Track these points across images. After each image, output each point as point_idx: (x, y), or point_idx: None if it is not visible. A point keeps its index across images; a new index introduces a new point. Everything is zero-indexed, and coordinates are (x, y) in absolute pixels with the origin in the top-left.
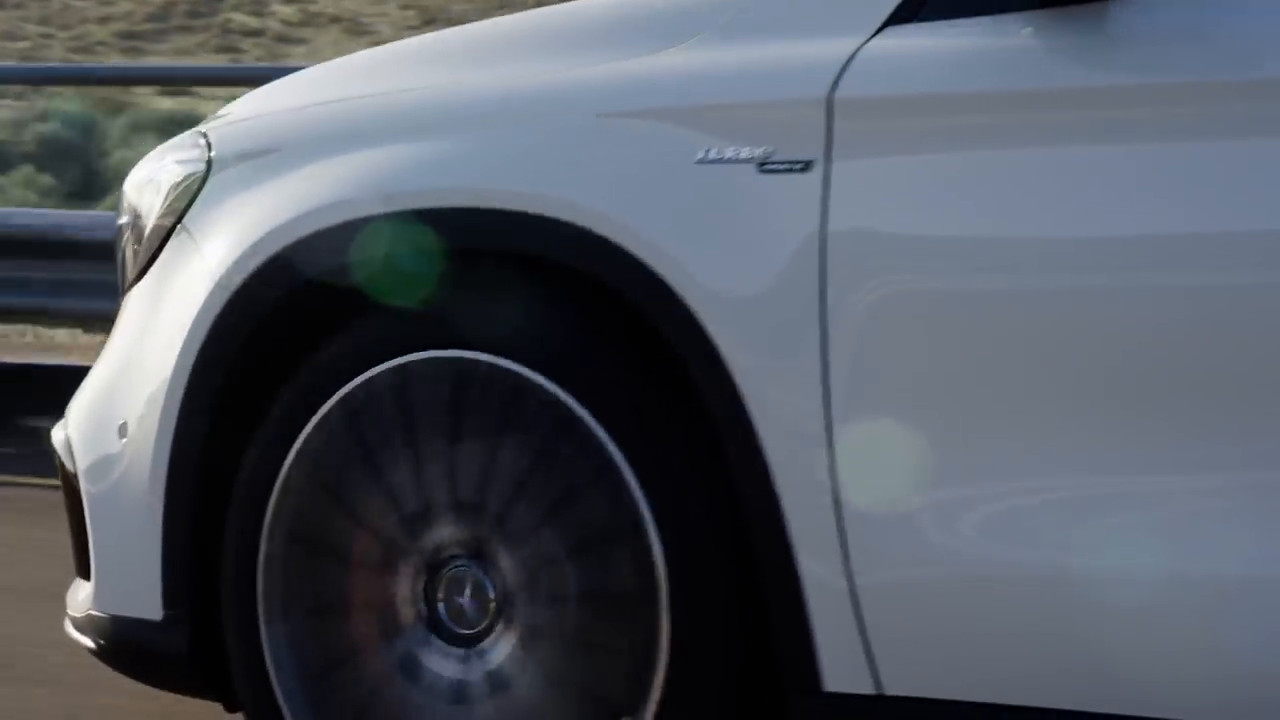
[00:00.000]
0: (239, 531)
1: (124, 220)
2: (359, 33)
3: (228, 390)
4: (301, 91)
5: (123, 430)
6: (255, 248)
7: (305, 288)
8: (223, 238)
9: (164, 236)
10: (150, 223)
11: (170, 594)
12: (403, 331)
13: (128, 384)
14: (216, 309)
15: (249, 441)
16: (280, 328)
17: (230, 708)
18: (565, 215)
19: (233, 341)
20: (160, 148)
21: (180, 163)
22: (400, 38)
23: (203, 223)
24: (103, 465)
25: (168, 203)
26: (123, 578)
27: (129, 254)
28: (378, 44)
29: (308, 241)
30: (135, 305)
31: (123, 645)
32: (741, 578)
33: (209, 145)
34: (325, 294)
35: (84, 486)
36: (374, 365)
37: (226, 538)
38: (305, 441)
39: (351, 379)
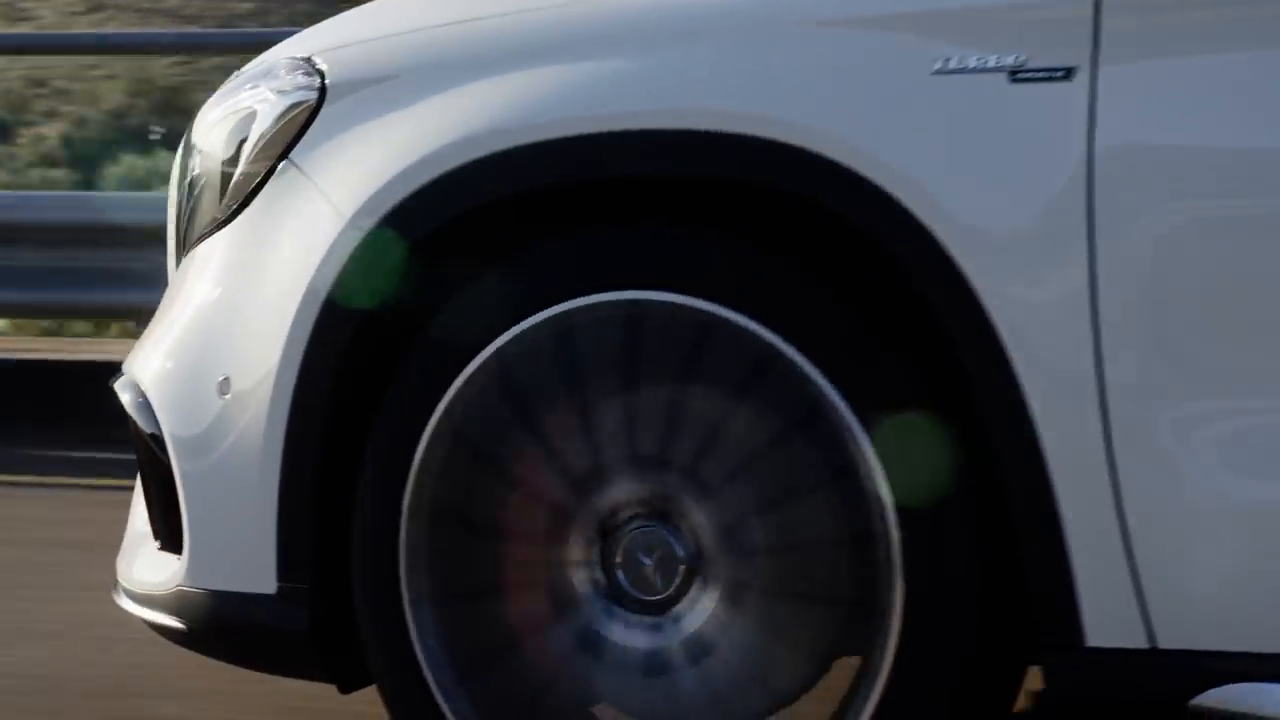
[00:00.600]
0: (374, 503)
1: (192, 167)
2: None
3: (356, 343)
4: (414, 13)
5: (224, 387)
6: (391, 185)
7: (450, 227)
8: (347, 174)
9: (263, 174)
10: (243, 160)
11: (287, 565)
12: (567, 273)
13: (226, 336)
14: (345, 253)
15: (380, 400)
16: (417, 274)
17: (345, 689)
18: (780, 136)
19: (363, 291)
20: (233, 83)
21: (281, 92)
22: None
23: (318, 157)
24: (198, 425)
25: (267, 137)
26: (226, 548)
27: (206, 199)
28: None
29: (454, 176)
30: (224, 251)
31: (223, 623)
32: (982, 522)
33: (321, 72)
34: (472, 234)
35: (173, 449)
36: (532, 313)
37: (359, 509)
38: (450, 402)
39: (505, 330)
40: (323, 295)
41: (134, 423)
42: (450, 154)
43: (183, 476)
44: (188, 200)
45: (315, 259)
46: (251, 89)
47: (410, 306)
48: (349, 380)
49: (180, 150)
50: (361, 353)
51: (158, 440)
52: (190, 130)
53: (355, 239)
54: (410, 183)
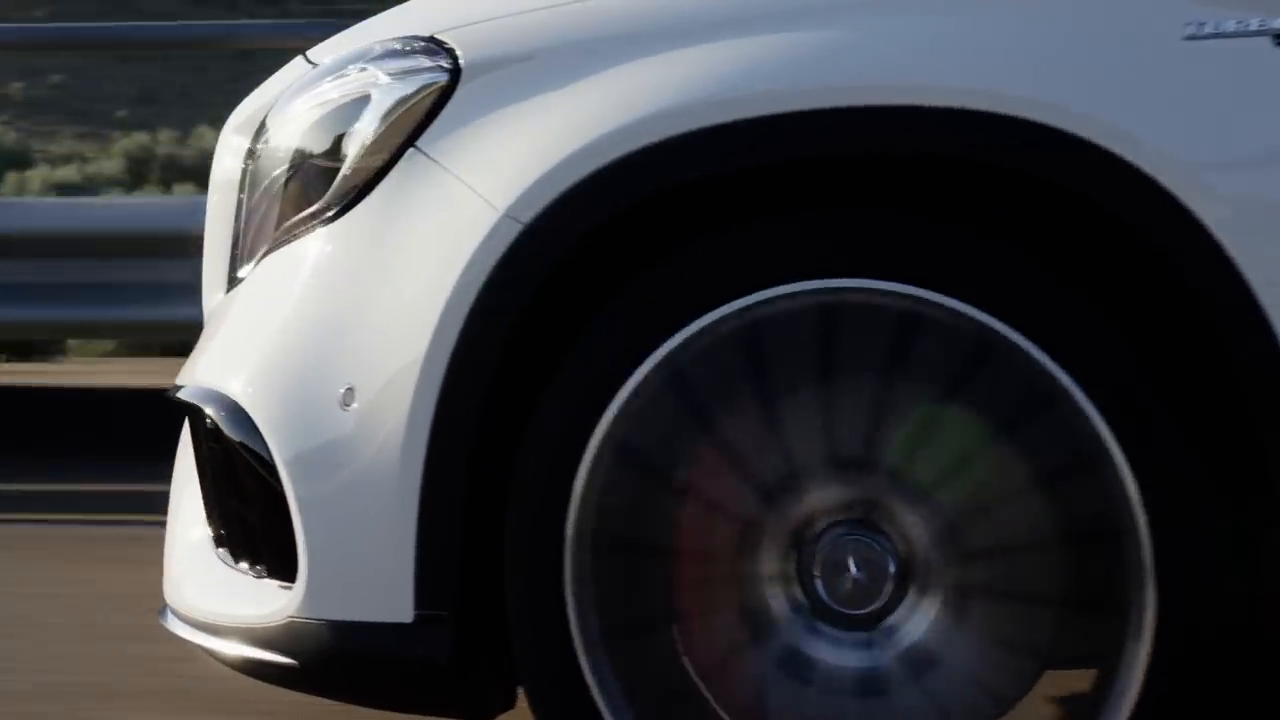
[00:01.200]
0: (532, 530)
1: (256, 168)
2: None
3: (510, 346)
4: None
5: (347, 399)
6: (553, 174)
7: (618, 219)
8: (495, 162)
9: (381, 166)
10: (350, 152)
11: (426, 592)
12: (746, 265)
13: (346, 342)
14: (501, 249)
15: (534, 410)
16: (579, 270)
17: None
18: (1017, 110)
19: (522, 288)
20: (319, 70)
21: (401, 75)
22: None
23: (453, 145)
24: (315, 442)
25: (386, 125)
26: (353, 575)
27: (289, 198)
28: None
29: (625, 163)
30: (333, 250)
31: (347, 656)
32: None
33: (452, 52)
34: (640, 226)
35: (286, 470)
36: (709, 310)
37: (513, 537)
38: (617, 413)
39: (677, 330)
40: (473, 294)
41: (207, 437)
42: (620, 139)
43: (300, 499)
44: (247, 203)
45: (463, 255)
46: (352, 75)
47: (571, 306)
48: (501, 388)
49: (220, 154)
50: (515, 357)
51: (260, 459)
52: (231, 131)
53: (512, 233)
54: (575, 171)
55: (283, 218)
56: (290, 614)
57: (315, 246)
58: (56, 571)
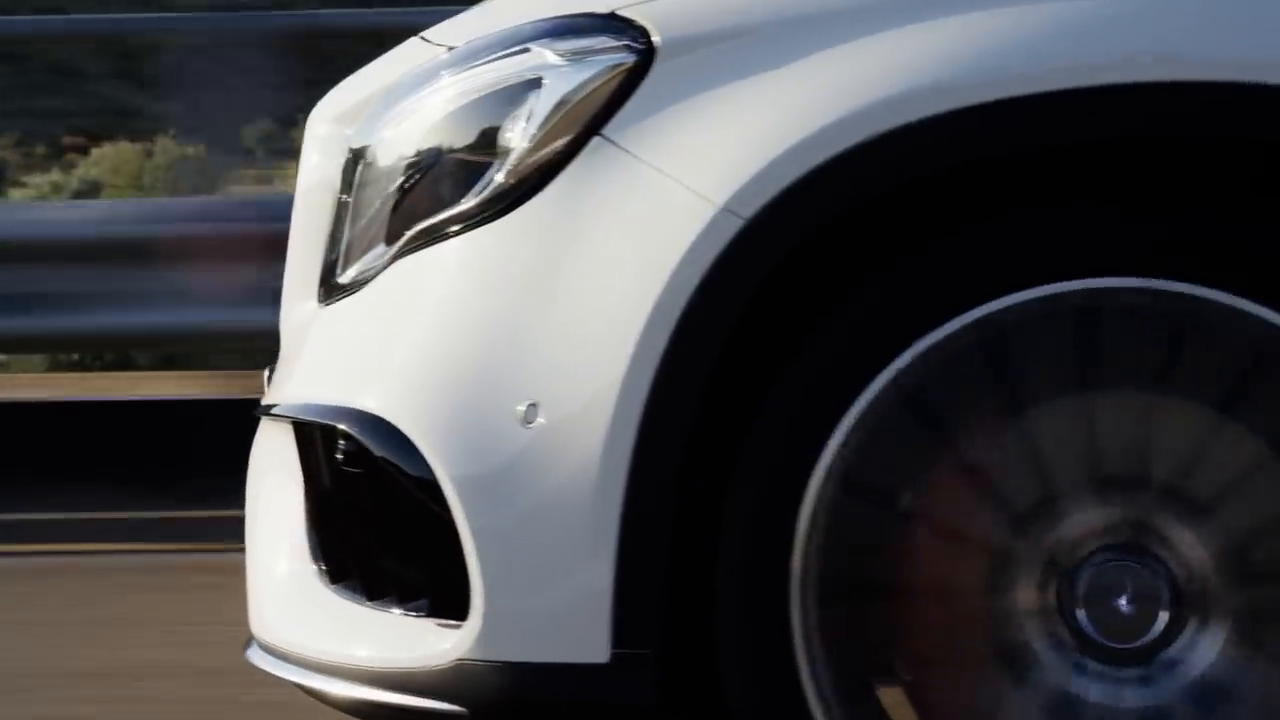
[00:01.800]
0: (752, 562)
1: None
2: None
3: (722, 357)
4: None
5: (530, 414)
6: (779, 163)
7: (853, 215)
8: (704, 151)
9: (554, 157)
10: (515, 143)
11: (626, 628)
12: (996, 265)
13: (527, 351)
14: (719, 246)
15: (751, 428)
16: (800, 273)
17: None
18: None
19: (740, 290)
20: (459, 53)
21: (577, 57)
22: None
23: (648, 133)
24: (492, 462)
25: (563, 111)
26: (538, 612)
27: (419, 197)
28: None
29: (866, 150)
30: (502, 248)
31: (529, 701)
32: None
33: (643, 30)
34: (878, 224)
35: (457, 496)
36: (952, 316)
37: (729, 569)
38: (847, 434)
39: (915, 339)
40: (686, 297)
41: (338, 460)
42: (856, 124)
43: (474, 527)
44: (355, 203)
45: (673, 254)
46: (512, 58)
47: (787, 314)
48: (714, 403)
49: (310, 151)
50: (729, 369)
51: (421, 482)
52: (325, 124)
53: (732, 229)
54: (803, 161)
55: (414, 217)
56: (459, 655)
57: (472, 247)
58: None
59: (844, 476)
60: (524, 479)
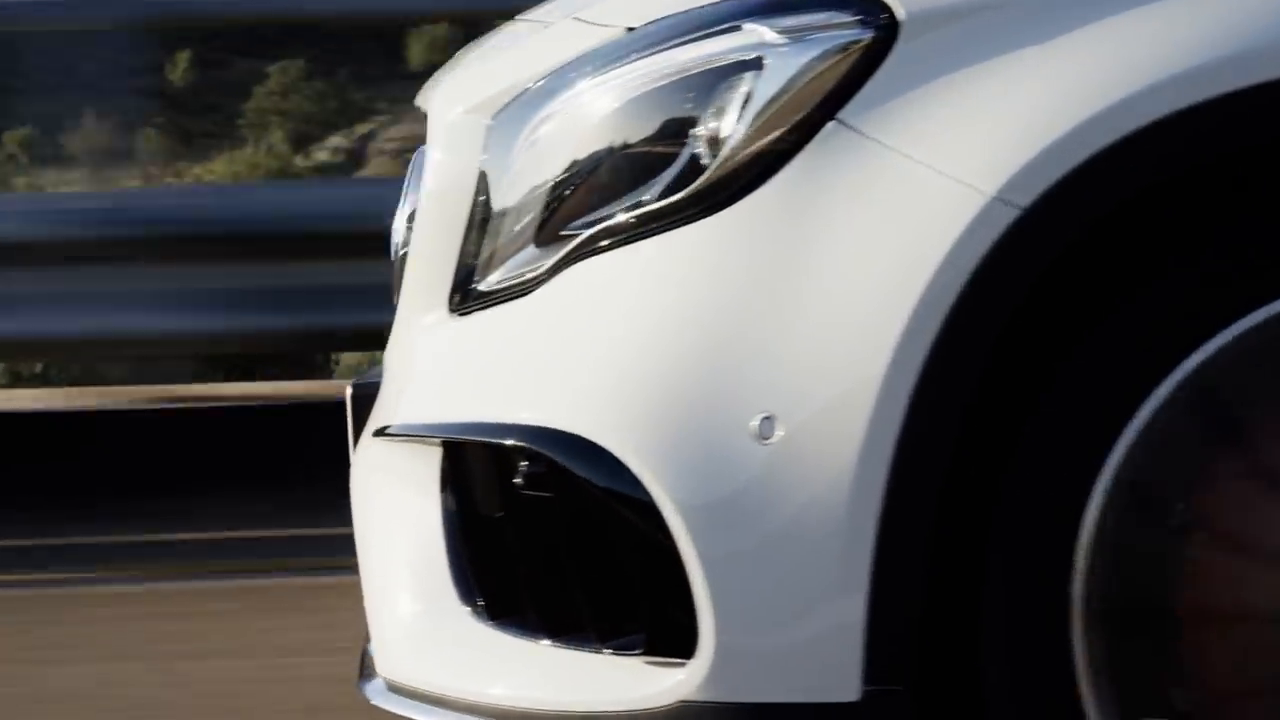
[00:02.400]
0: (1026, 588)
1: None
2: None
3: (992, 361)
4: None
5: (765, 429)
6: (1058, 146)
7: (1143, 200)
8: (964, 137)
9: (784, 144)
10: (728, 131)
11: (879, 663)
12: None
13: (758, 359)
14: (990, 239)
15: (1021, 438)
16: (1076, 265)
17: None
18: None
19: (1015, 286)
20: (643, 34)
21: (803, 35)
22: None
23: (893, 116)
24: (723, 484)
25: (788, 95)
26: (775, 646)
27: (609, 182)
28: None
29: (1163, 128)
30: (717, 248)
31: None
32: None
33: (881, 5)
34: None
35: (682, 518)
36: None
37: (998, 596)
38: (1134, 443)
39: (1225, 328)
40: (954, 294)
41: (500, 480)
42: (1147, 101)
43: (703, 556)
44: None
45: (938, 248)
46: (718, 37)
47: (1061, 311)
48: (980, 410)
49: (436, 150)
50: (997, 374)
51: (637, 508)
52: (458, 121)
53: (1006, 219)
54: (1086, 144)
55: (587, 215)
56: (681, 697)
57: (681, 245)
58: None
59: (1130, 489)
60: (761, 501)
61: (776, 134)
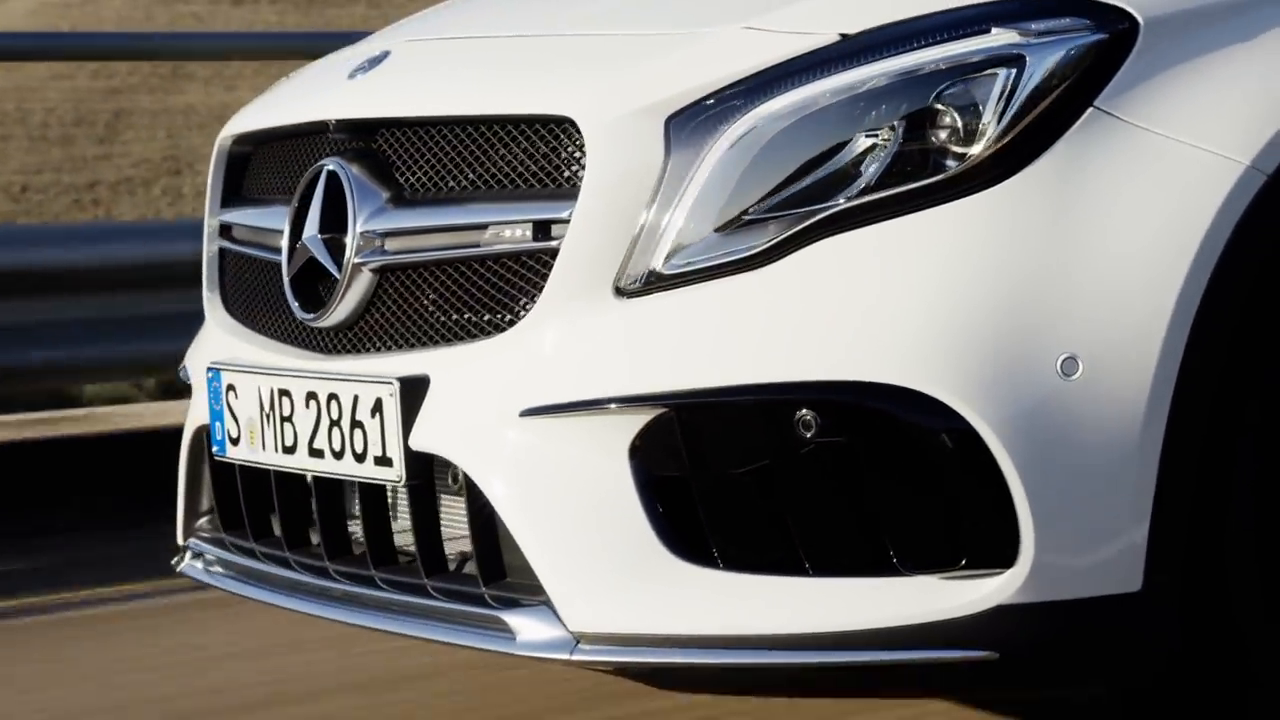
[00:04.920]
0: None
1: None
2: None
3: (1249, 307)
4: None
5: (1069, 368)
6: None
7: None
8: (1208, 113)
9: (1047, 126)
10: (991, 118)
11: (1156, 561)
12: None
13: (1061, 311)
14: (1244, 202)
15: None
16: None
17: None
18: None
19: (1270, 241)
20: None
21: (1049, 36)
22: None
23: (1141, 101)
24: (1037, 415)
25: (1044, 86)
26: (1079, 550)
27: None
28: None
29: None
30: (997, 218)
31: (1062, 635)
32: None
33: (1119, 11)
34: None
35: (1002, 447)
36: None
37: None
38: None
39: None
40: (1218, 252)
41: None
42: None
43: (1026, 480)
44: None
45: (1203, 212)
46: (967, 39)
47: None
48: (1241, 350)
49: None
50: (1255, 318)
51: (962, 442)
52: (630, 119)
53: (1257, 184)
54: None
55: (827, 195)
56: (999, 601)
57: (961, 215)
58: None
59: None
60: (1068, 429)
61: (1042, 118)
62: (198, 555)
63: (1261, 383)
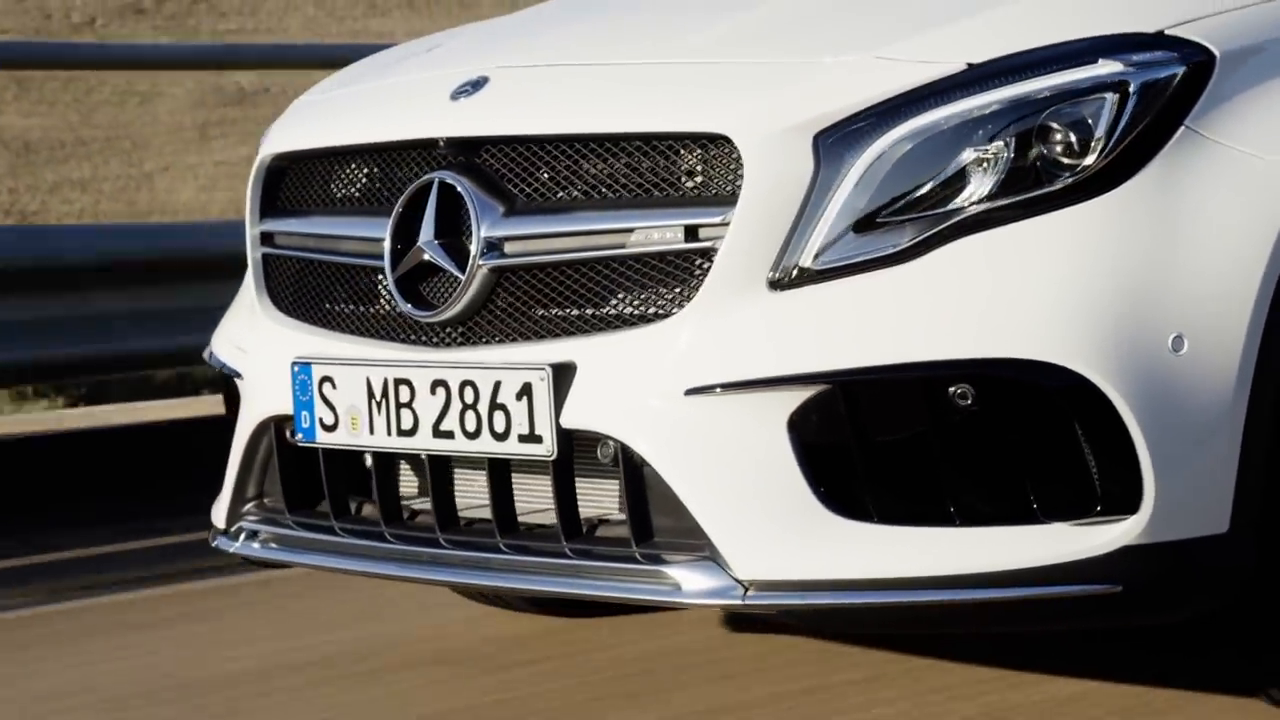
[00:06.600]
0: None
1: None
2: None
3: None
4: None
5: (1177, 345)
6: None
7: None
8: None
9: (1149, 143)
10: (1103, 133)
11: (1239, 508)
12: None
13: (1169, 299)
14: None
15: None
16: None
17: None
18: None
19: None
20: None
21: (1145, 67)
22: None
23: (1226, 121)
24: (1156, 384)
25: (1147, 109)
26: (1187, 497)
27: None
28: None
29: None
30: (1108, 222)
31: (1173, 569)
32: None
33: (1197, 46)
34: None
35: (1130, 411)
36: None
37: None
38: None
39: None
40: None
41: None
42: None
43: (1149, 438)
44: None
45: (1275, 214)
46: (1077, 69)
47: None
48: None
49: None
50: None
51: (1094, 406)
52: (782, 135)
53: None
54: None
55: (957, 200)
56: (1126, 543)
57: (1083, 218)
58: None
59: None
60: (1179, 395)
61: (1144, 135)
62: (251, 535)
63: None
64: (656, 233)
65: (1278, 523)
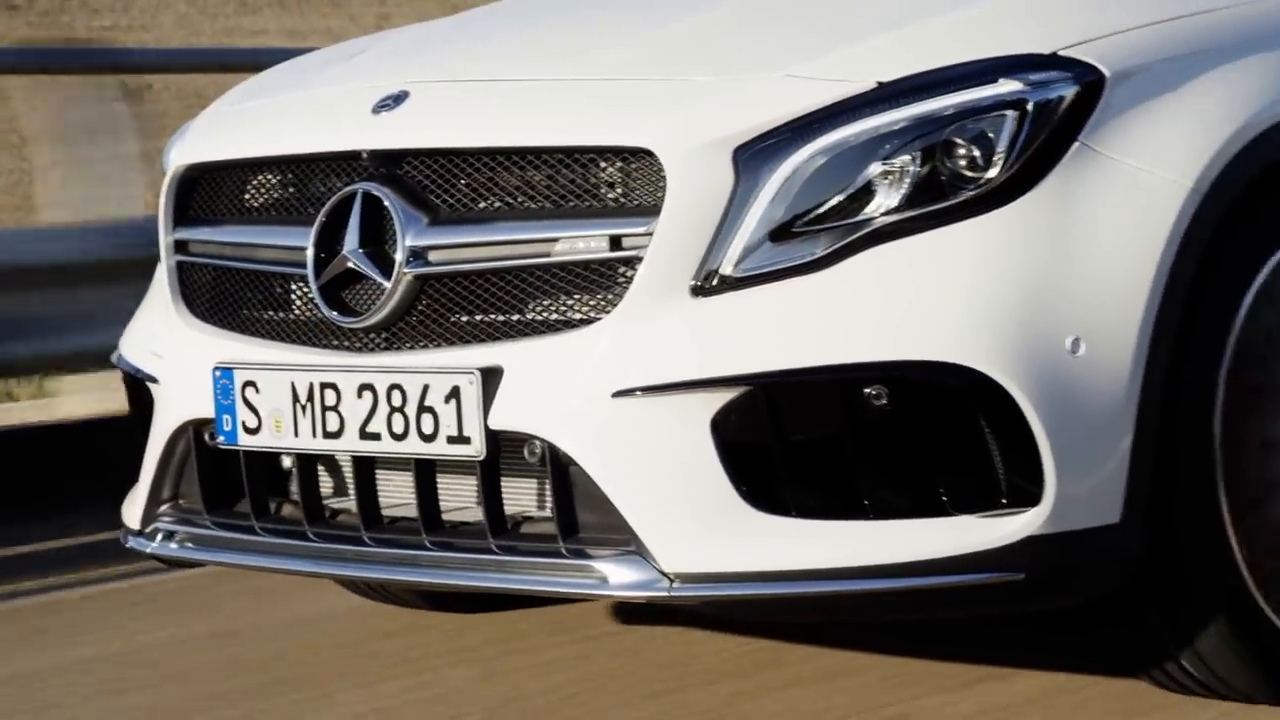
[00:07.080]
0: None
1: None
2: None
3: (1190, 302)
4: (1125, 10)
5: (1075, 346)
6: (1226, 144)
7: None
8: (1163, 145)
9: (1046, 157)
10: (1004, 147)
11: (1130, 499)
12: None
13: (1066, 304)
14: (1190, 214)
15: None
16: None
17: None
18: None
19: (1199, 244)
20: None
21: (1041, 86)
22: None
23: (1112, 137)
24: (1056, 385)
25: (1044, 125)
26: (1082, 490)
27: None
28: None
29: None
30: (1012, 231)
31: (1067, 557)
32: None
33: (1088, 65)
34: None
35: (1033, 410)
36: None
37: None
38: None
39: None
40: (1173, 255)
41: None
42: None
43: (1050, 434)
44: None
45: (1163, 224)
46: (978, 88)
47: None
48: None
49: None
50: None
51: (998, 404)
52: (701, 151)
53: (1194, 202)
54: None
55: (868, 212)
56: (1029, 533)
57: (987, 228)
58: None
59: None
60: (1078, 395)
61: (1042, 150)
62: (169, 535)
63: (1190, 360)
64: (581, 242)
65: (1165, 512)
